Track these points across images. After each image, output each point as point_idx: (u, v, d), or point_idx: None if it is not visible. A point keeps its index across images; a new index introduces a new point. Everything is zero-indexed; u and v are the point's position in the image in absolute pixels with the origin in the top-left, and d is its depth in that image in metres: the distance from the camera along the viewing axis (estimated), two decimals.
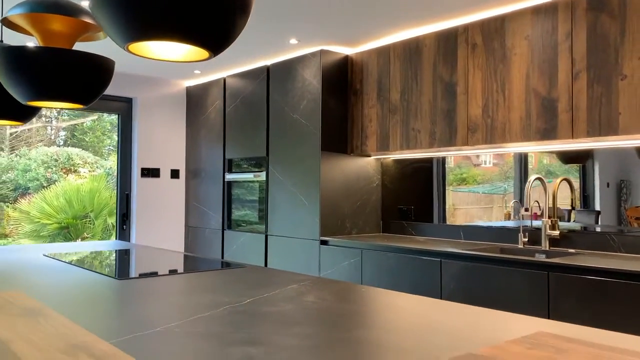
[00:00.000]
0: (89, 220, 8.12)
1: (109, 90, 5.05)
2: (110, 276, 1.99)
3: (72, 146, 8.61)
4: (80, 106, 1.79)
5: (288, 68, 4.23)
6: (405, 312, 1.47)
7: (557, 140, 2.90)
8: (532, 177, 3.24)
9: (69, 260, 2.40)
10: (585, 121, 2.75)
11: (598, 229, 3.22)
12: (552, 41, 2.89)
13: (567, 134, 2.82)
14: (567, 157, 6.29)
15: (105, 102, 5.14)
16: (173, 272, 2.15)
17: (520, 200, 3.52)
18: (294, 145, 4.15)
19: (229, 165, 4.84)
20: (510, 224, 3.55)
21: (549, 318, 2.60)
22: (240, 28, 1.18)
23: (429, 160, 4.46)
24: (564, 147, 3.11)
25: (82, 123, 8.56)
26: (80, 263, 2.33)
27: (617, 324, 2.38)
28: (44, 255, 2.63)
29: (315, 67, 3.98)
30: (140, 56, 1.19)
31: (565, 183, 3.35)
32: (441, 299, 3.08)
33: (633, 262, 2.57)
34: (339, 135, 4.04)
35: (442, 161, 7.24)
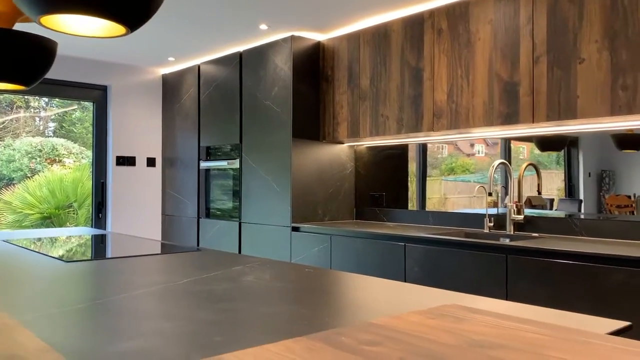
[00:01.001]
0: (72, 210, 8.09)
1: (83, 78, 5.01)
2: (58, 259, 1.99)
3: (62, 137, 8.56)
4: (21, 87, 1.77)
5: (260, 54, 4.21)
6: (333, 289, 1.48)
7: (518, 125, 2.92)
8: (495, 162, 3.26)
9: (22, 245, 2.39)
10: (545, 105, 2.76)
11: (562, 215, 3.25)
12: (514, 25, 2.89)
13: (528, 118, 2.84)
14: (544, 145, 6.32)
15: (80, 89, 5.10)
16: (124, 255, 2.15)
17: (506, 189, 3.53)
18: (266, 132, 4.14)
19: (204, 153, 4.83)
20: (481, 210, 3.57)
21: (506, 299, 2.62)
22: (158, 4, 1.18)
23: (403, 147, 4.47)
24: (526, 132, 3.12)
25: (72, 114, 8.50)
26: (32, 246, 2.32)
27: (569, 303, 2.40)
28: (2, 240, 2.62)
29: (286, 53, 3.96)
30: (53, 30, 1.18)
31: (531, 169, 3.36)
32: (405, 281, 3.10)
33: (589, 244, 2.59)
34: (311, 122, 4.04)
35: (423, 148, 7.24)
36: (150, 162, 5.38)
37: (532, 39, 2.81)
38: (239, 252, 4.37)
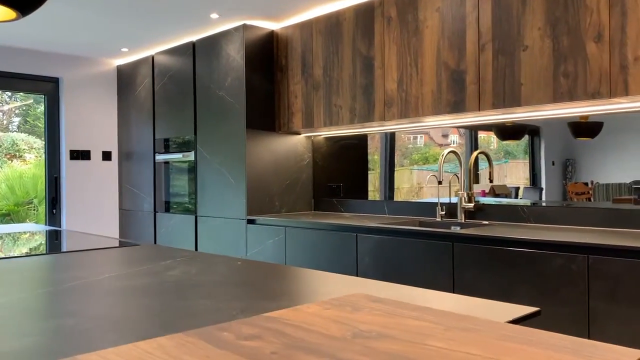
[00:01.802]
0: (32, 207, 7.87)
1: (33, 70, 4.85)
2: None
3: (26, 132, 8.30)
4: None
5: (212, 44, 4.13)
6: (256, 282, 1.45)
7: (466, 114, 2.91)
8: (445, 151, 3.26)
9: None
10: (490, 93, 2.77)
11: (519, 203, 3.27)
12: (461, 13, 2.88)
13: (474, 106, 2.84)
14: (504, 134, 6.38)
15: (30, 82, 4.93)
16: (55, 252, 2.07)
17: (471, 178, 3.53)
18: (220, 123, 4.07)
19: (159, 146, 4.72)
20: (434, 199, 3.57)
21: (453, 287, 2.63)
22: None
23: (362, 137, 4.45)
24: (474, 120, 3.12)
25: (37, 109, 8.24)
26: None
27: (511, 289, 2.42)
28: None
29: (238, 42, 3.89)
30: None
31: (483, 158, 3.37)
32: (357, 272, 3.09)
33: (533, 231, 2.61)
34: (266, 113, 3.98)
35: (390, 137, 7.22)
36: (106, 155, 5.25)
37: (478, 27, 2.81)
38: (195, 246, 4.30)
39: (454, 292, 2.62)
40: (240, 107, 3.87)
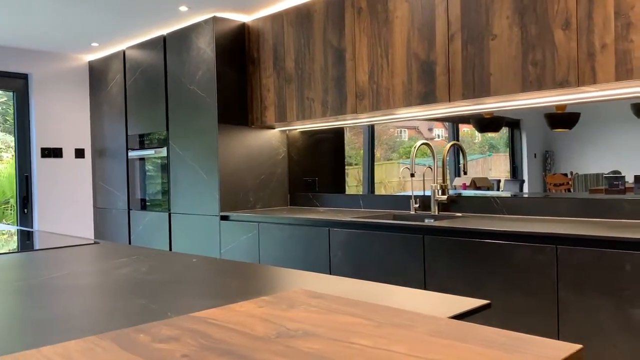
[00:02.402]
0: (9, 207, 7.70)
1: (1, 66, 4.72)
2: None
3: (5, 131, 8.13)
4: None
5: (183, 37, 4.04)
6: (206, 279, 1.39)
7: (437, 105, 2.87)
8: (417, 143, 3.22)
9: None
10: (460, 83, 2.73)
11: (491, 194, 3.24)
12: (430, 2, 2.84)
13: (444, 97, 2.80)
14: (482, 126, 6.36)
15: None
16: (13, 250, 1.99)
17: (445, 171, 3.50)
18: (192, 118, 3.99)
19: (132, 142, 4.63)
20: (410, 192, 3.53)
21: (425, 280, 2.60)
22: None
23: (338, 130, 4.40)
24: (445, 111, 3.08)
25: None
26: None
27: (481, 281, 2.39)
28: None
29: (208, 35, 3.81)
30: None
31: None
32: (330, 267, 3.05)
33: (505, 222, 2.59)
34: (238, 107, 3.91)
35: (371, 130, 7.16)
36: (79, 153, 5.14)
37: (447, 16, 2.76)
38: (170, 243, 4.23)
39: (425, 285, 2.59)
40: (212, 101, 3.80)
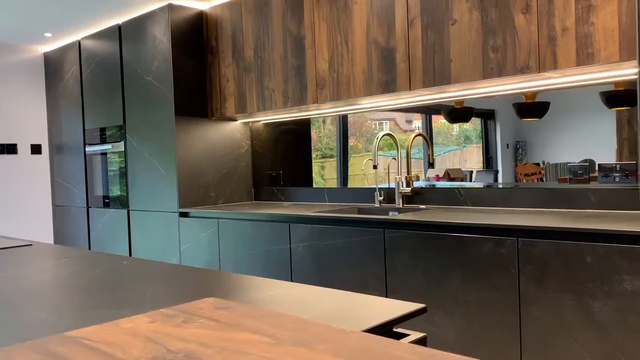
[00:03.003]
0: None
1: None
2: None
3: None
4: None
5: (138, 26, 3.86)
6: (117, 284, 1.26)
7: (400, 94, 2.76)
8: (380, 134, 3.11)
9: None
10: (421, 71, 2.62)
11: (449, 185, 3.16)
12: None
13: (405, 85, 2.69)
14: (453, 117, 6.26)
15: None
16: None
17: (409, 162, 3.40)
18: (149, 110, 3.82)
19: (89, 137, 4.44)
20: (378, 185, 3.43)
21: (385, 275, 2.50)
22: None
23: (304, 121, 4.28)
24: (409, 100, 2.98)
25: None
26: None
27: (442, 275, 2.30)
28: None
29: (164, 23, 3.64)
30: None
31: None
32: (291, 264, 2.93)
33: (467, 214, 2.50)
34: (197, 99, 3.75)
35: (344, 122, 6.98)
36: (35, 149, 4.92)
37: (407, 1, 2.65)
38: (129, 242, 4.06)
39: (386, 280, 2.49)
40: (169, 92, 3.64)
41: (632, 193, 2.29)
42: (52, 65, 4.85)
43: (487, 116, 10.52)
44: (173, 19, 3.61)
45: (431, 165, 3.21)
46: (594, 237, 1.89)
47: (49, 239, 4.98)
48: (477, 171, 9.56)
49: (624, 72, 2.21)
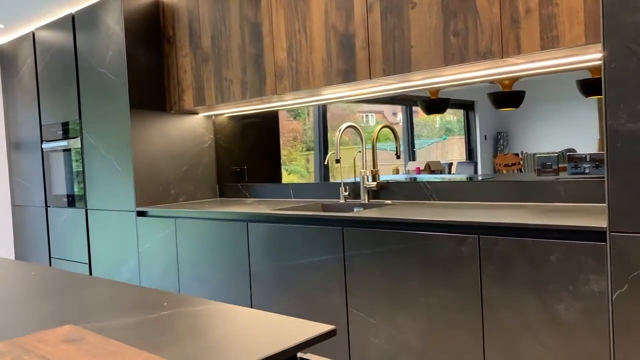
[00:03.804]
0: None
1: None
2: None
3: None
4: None
5: (91, 15, 3.65)
6: (6, 299, 1.10)
7: (361, 84, 2.60)
8: (343, 126, 2.95)
9: None
10: (380, 58, 2.46)
11: (419, 179, 3.01)
12: None
13: (364, 74, 2.53)
14: (429, 108, 6.10)
15: None
16: None
17: (375, 155, 3.24)
18: (103, 104, 3.62)
19: (46, 133, 4.22)
20: (344, 180, 3.28)
21: (345, 276, 2.35)
22: None
23: (272, 114, 4.11)
24: (372, 90, 2.82)
25: None
26: None
27: (401, 276, 2.15)
28: None
29: (117, 11, 3.44)
30: None
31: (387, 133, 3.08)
32: (249, 265, 2.77)
33: (433, 209, 2.35)
34: (154, 91, 3.56)
35: (323, 114, 6.77)
36: None
37: None
38: (87, 243, 3.87)
39: (346, 282, 2.34)
40: (123, 85, 3.44)
41: (602, 185, 2.16)
42: (7, 58, 4.61)
43: (468, 107, 10.41)
44: (126, 7, 3.41)
45: (397, 157, 3.08)
46: (557, 234, 1.75)
47: (9, 240, 4.77)
48: (458, 163, 9.45)
49: (591, 57, 2.07)
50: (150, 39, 3.54)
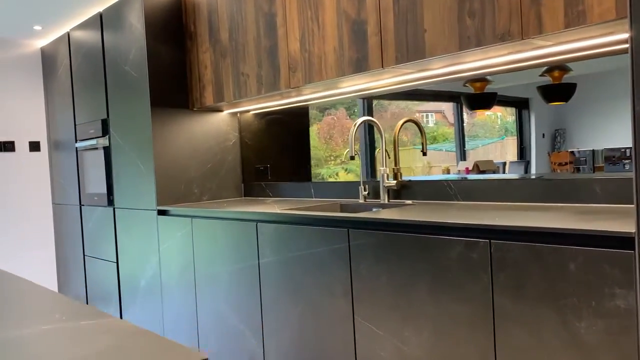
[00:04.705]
0: None
1: None
2: None
3: None
4: None
5: (117, 12, 3.65)
6: None
7: (372, 74, 2.41)
8: (358, 120, 2.76)
9: None
10: (393, 45, 2.26)
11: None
12: None
13: (377, 62, 2.34)
14: (472, 104, 5.77)
15: None
16: None
17: (397, 152, 3.04)
18: (128, 102, 3.61)
19: (80, 132, 4.28)
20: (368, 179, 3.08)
21: (351, 280, 2.17)
22: None
23: (300, 111, 3.97)
24: (388, 82, 2.61)
25: None
26: None
27: (408, 283, 1.95)
28: None
29: (138, 8, 3.41)
30: None
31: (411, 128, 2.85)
32: (259, 268, 2.64)
33: (452, 210, 2.13)
34: (176, 88, 3.51)
35: (368, 108, 6.57)
36: (34, 146, 4.83)
37: None
38: (115, 242, 3.87)
39: (352, 287, 2.16)
40: (144, 82, 3.41)
41: None
42: (48, 59, 4.73)
43: (521, 105, 9.87)
44: (147, 4, 3.37)
45: (424, 154, 2.85)
46: (578, 240, 1.50)
47: (50, 239, 4.89)
48: (511, 162, 8.97)
49: (624, 37, 1.78)
50: (172, 35, 3.49)
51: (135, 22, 3.43)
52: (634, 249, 1.37)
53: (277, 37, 2.83)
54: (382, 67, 2.31)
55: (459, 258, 1.78)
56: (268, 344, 2.61)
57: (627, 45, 1.92)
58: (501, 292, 1.68)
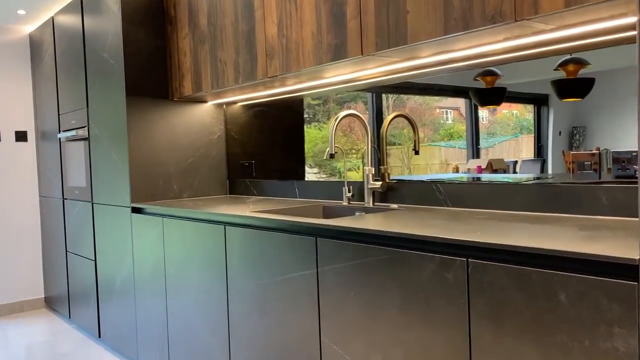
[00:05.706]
0: None
1: None
2: None
3: None
4: None
5: None
6: None
7: (349, 62, 2.14)
8: (340, 114, 2.48)
9: None
10: (373, 29, 1.99)
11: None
12: None
13: (356, 49, 2.07)
14: (483, 99, 5.48)
15: None
16: None
17: (384, 150, 2.79)
18: (105, 92, 3.39)
19: (63, 122, 4.09)
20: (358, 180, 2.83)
21: (318, 295, 1.91)
22: None
23: (291, 104, 3.71)
24: (373, 72, 2.34)
25: None
26: None
27: (377, 302, 1.69)
28: None
29: None
30: None
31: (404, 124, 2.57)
32: (226, 274, 2.40)
33: (434, 219, 1.86)
34: (156, 77, 3.28)
35: (377, 104, 6.35)
36: (20, 136, 4.66)
37: None
38: (94, 239, 3.67)
39: (319, 302, 1.91)
40: (120, 70, 3.18)
41: None
42: (35, 46, 4.55)
43: (539, 102, 9.50)
44: None
45: (416, 153, 2.61)
46: (570, 264, 1.22)
47: (37, 233, 4.72)
48: (523, 161, 8.62)
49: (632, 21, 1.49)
50: (153, 20, 3.26)
51: (112, 4, 3.21)
52: (637, 280, 1.09)
53: (255, 20, 2.58)
54: (362, 54, 2.05)
55: (432, 277, 1.52)
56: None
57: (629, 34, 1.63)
58: (478, 321, 1.41)
